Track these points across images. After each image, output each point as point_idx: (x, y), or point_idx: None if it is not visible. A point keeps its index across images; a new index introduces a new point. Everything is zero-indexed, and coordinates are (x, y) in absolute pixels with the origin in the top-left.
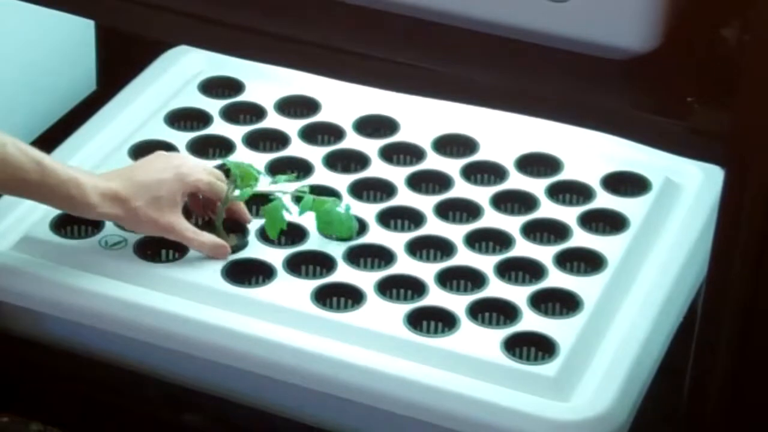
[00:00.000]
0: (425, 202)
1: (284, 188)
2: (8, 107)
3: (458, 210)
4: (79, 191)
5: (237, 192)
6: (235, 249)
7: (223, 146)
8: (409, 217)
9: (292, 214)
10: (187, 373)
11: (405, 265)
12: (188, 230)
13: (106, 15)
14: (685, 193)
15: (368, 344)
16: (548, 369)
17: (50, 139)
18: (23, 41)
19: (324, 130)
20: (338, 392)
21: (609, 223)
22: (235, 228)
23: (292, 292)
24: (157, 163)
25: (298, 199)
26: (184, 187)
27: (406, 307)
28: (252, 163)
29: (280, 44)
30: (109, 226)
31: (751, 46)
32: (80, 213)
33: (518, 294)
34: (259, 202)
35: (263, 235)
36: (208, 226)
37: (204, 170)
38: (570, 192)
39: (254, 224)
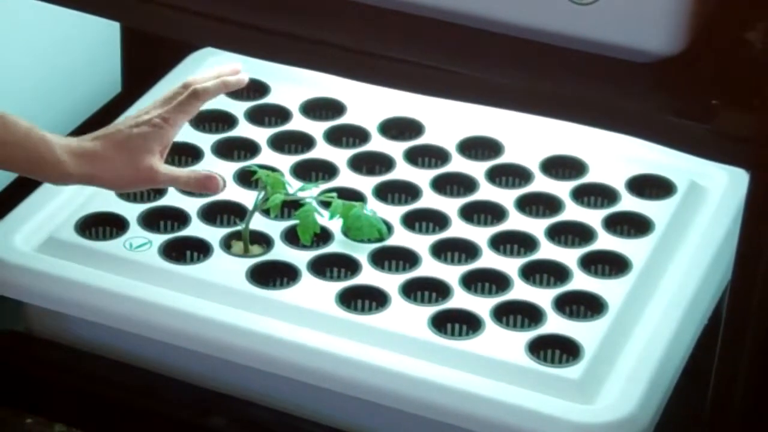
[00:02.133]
0: (450, 205)
1: (311, 193)
2: (34, 110)
3: (483, 212)
4: (47, 149)
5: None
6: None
7: (248, 148)
8: (434, 220)
9: (324, 217)
10: (212, 375)
11: (429, 267)
12: (171, 171)
13: (132, 17)
14: (710, 196)
15: (392, 347)
16: (572, 372)
17: None
18: (48, 44)
19: (349, 133)
20: (362, 394)
21: (634, 225)
22: (259, 239)
23: (316, 294)
24: (126, 121)
25: (324, 203)
26: (153, 131)
27: (431, 310)
28: (280, 169)
29: (305, 46)
30: (134, 228)
31: None
32: (48, 174)
33: (543, 297)
34: (286, 207)
35: (288, 238)
36: (235, 235)
37: (162, 104)
38: (595, 195)
39: (279, 227)
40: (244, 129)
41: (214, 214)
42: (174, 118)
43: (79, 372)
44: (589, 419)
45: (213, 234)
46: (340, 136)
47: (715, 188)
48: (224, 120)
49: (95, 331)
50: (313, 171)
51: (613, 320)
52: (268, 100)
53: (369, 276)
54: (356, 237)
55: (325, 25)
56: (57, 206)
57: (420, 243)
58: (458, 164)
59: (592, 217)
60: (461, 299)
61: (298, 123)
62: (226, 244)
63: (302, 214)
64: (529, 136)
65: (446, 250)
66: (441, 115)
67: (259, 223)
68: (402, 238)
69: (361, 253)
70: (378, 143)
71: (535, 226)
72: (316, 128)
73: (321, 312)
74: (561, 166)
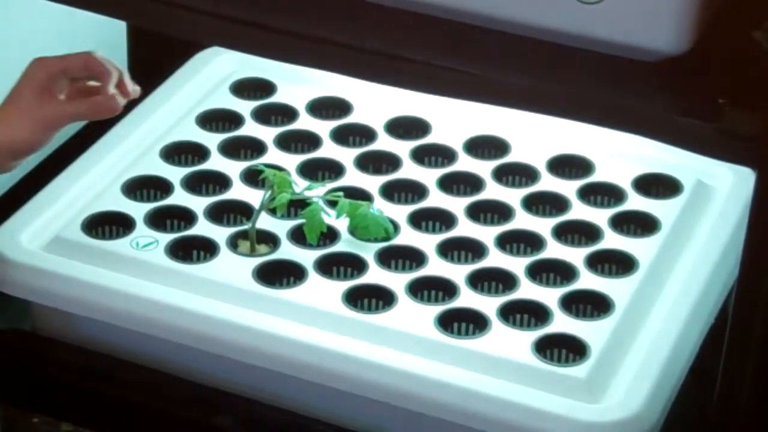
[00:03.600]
0: (456, 204)
1: (317, 192)
2: None
3: (489, 211)
4: None
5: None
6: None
7: (255, 147)
8: (441, 219)
9: (331, 216)
10: (218, 374)
11: (436, 266)
12: (70, 105)
13: (138, 16)
14: (717, 195)
15: (399, 346)
16: (579, 371)
17: (81, 140)
18: (55, 43)
19: (355, 132)
20: (369, 393)
21: (640, 225)
22: (266, 239)
23: (323, 293)
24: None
25: (330, 202)
26: (40, 69)
27: (437, 309)
28: (286, 169)
29: (311, 46)
30: (140, 227)
31: None
32: None
33: (549, 296)
34: (292, 206)
35: (294, 237)
36: (241, 234)
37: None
38: (601, 194)
39: (285, 226)
40: (251, 128)
41: (220, 213)
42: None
43: (85, 371)
44: (596, 418)
45: (219, 233)
46: (346, 136)
47: (721, 187)
48: (231, 119)
49: (102, 331)
50: (320, 170)
51: (619, 319)
52: (275, 99)
53: (375, 275)
54: (363, 236)
55: (332, 24)
56: (63, 205)
57: (426, 242)
58: (465, 163)
59: (599, 216)
60: (468, 298)
61: (305, 122)
62: (233, 243)
63: (309, 214)
64: (535, 136)
65: (453, 250)
66: (447, 115)
67: (265, 222)
68: (408, 237)
69: (368, 252)
70: (384, 142)
71: (542, 226)
72: (323, 127)
73: (327, 311)
74: (567, 166)
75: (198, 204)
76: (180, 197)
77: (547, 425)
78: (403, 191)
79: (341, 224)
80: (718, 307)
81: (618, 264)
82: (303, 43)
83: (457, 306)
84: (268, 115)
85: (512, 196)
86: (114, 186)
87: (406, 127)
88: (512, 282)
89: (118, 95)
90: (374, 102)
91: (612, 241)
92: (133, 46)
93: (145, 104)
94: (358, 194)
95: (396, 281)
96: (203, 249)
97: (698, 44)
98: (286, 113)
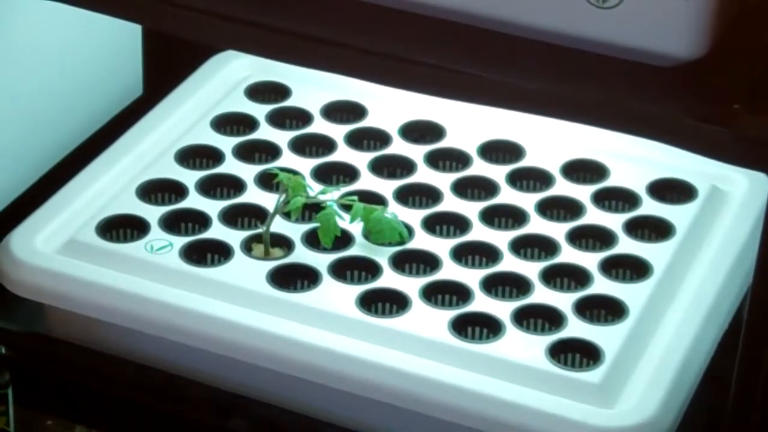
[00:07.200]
0: (471, 208)
1: (332, 196)
2: (54, 111)
3: (503, 216)
4: None
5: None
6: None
7: (269, 151)
8: (455, 223)
9: (345, 220)
10: (232, 377)
11: (450, 270)
12: None
13: (153, 19)
14: (731, 200)
15: (413, 350)
16: (593, 376)
17: (96, 143)
18: (69, 46)
19: (370, 136)
20: (382, 397)
21: (655, 230)
22: (280, 242)
23: (337, 297)
24: None
25: (345, 206)
26: None
27: (451, 313)
28: (301, 172)
29: (326, 49)
30: (155, 230)
31: None
32: None
33: (563, 300)
34: (307, 210)
35: (309, 241)
36: (256, 237)
37: None
38: (615, 199)
39: (300, 230)
40: (266, 132)
41: (234, 216)
42: None
43: (99, 374)
44: (610, 423)
45: (234, 237)
46: (360, 139)
47: (736, 192)
48: (245, 122)
49: (115, 333)
50: (334, 174)
51: (633, 324)
52: (290, 103)
53: (389, 279)
54: (377, 240)
55: (347, 27)
56: (78, 208)
57: (441, 246)
58: (479, 168)
59: (613, 221)
60: (482, 303)
61: (319, 126)
62: (247, 246)
63: (323, 217)
64: (550, 140)
65: (467, 254)
66: (462, 119)
67: (279, 226)
68: (423, 241)
69: (382, 256)
70: (399, 146)
71: (556, 230)
72: (337, 131)
73: (341, 315)
74: (582, 170)
75: (212, 207)
76: (194, 200)
77: (560, 430)
78: (418, 195)
79: (355, 228)
80: (733, 312)
81: (632, 269)
82: (318, 47)
83: (471, 310)
84: (282, 118)
85: (526, 200)
86: (128, 189)
87: (420, 131)
88: (526, 286)
89: None
90: (389, 106)
91: (626, 246)
92: (148, 49)
93: (159, 108)
94: (373, 198)
95: (410, 285)
96: (217, 252)
97: (713, 49)
98: (301, 117)
